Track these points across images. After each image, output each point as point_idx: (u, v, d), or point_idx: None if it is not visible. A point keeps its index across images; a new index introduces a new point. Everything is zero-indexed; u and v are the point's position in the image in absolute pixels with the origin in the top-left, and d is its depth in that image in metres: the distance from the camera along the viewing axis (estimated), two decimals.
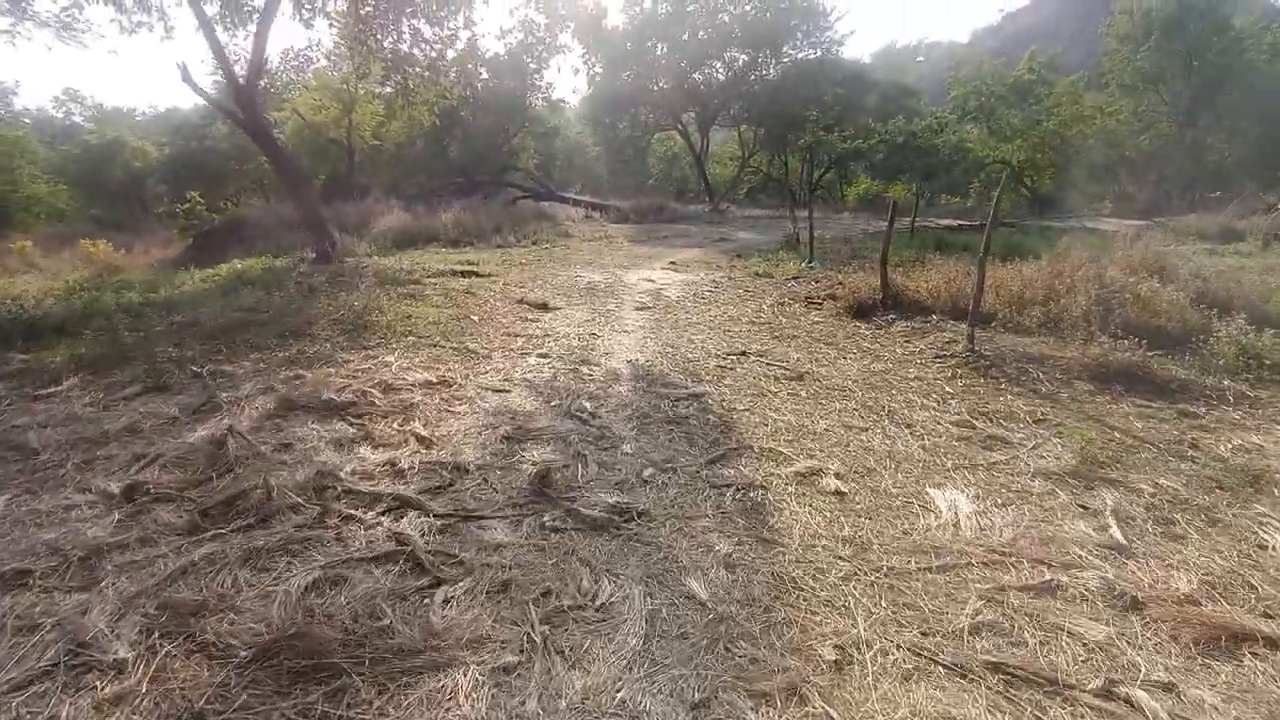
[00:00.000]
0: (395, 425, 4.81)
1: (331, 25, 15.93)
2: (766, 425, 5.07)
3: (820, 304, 9.60)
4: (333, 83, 21.51)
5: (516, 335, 7.56)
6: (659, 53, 31.14)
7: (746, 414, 5.29)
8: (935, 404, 5.55)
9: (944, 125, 30.79)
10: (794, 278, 11.52)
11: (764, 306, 9.53)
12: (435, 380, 5.73)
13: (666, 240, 18.39)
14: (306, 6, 14.97)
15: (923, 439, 4.85)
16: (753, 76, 32.04)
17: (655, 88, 31.78)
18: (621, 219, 23.53)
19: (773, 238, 18.89)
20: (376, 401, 5.19)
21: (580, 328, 8.03)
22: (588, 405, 5.29)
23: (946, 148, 30.16)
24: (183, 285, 10.58)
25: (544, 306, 9.03)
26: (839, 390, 5.90)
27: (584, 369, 6.37)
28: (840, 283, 10.56)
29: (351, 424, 4.80)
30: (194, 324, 7.42)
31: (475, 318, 8.20)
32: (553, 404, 5.37)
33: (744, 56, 31.44)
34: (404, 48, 15.42)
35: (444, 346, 6.96)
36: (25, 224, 31.52)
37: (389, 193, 22.17)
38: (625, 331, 7.94)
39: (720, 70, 32.13)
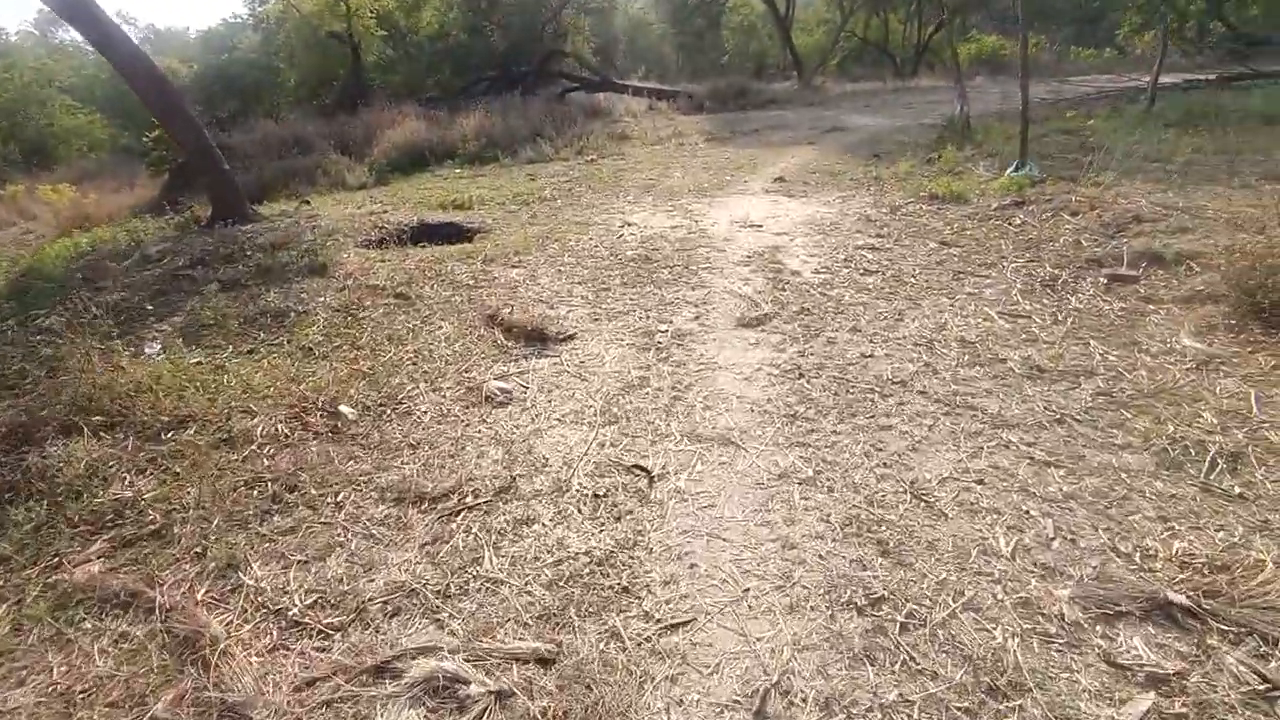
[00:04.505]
0: None
1: None
2: None
3: (1136, 282, 4.11)
4: None
5: (425, 500, 2.54)
6: None
7: None
8: None
9: None
10: (1016, 202, 5.88)
11: (1014, 293, 4.13)
12: None
13: (758, 135, 12.54)
14: None
15: None
16: None
17: None
18: (695, 108, 17.44)
19: (904, 121, 12.76)
20: None
21: (605, 433, 2.91)
22: None
23: None
24: None
25: (540, 336, 3.89)
26: None
27: None
28: (1139, 217, 4.96)
29: None
30: None
31: (350, 413, 3.15)
32: None
33: None
34: None
35: (149, 639, 2.04)
36: (67, 158, 28.08)
37: (406, 97, 16.87)
38: (722, 442, 2.79)
39: None
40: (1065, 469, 2.48)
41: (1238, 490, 2.29)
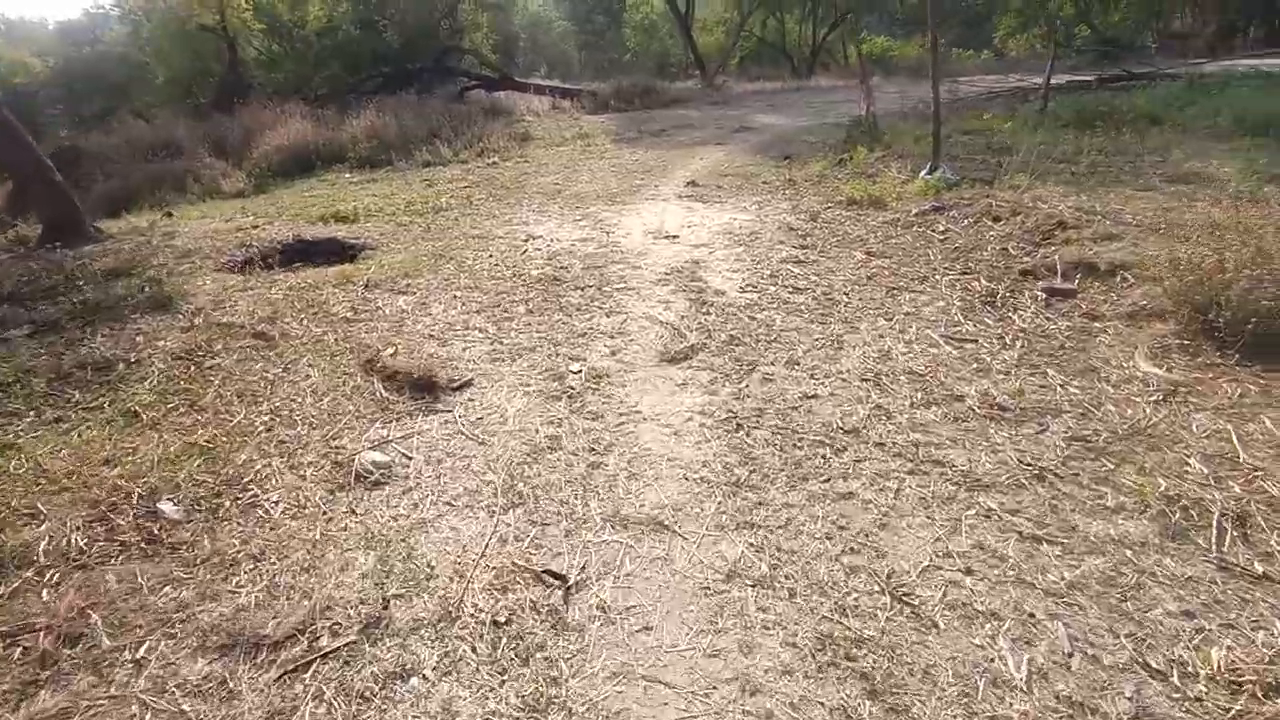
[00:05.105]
0: None
1: None
2: None
3: (1075, 296, 3.84)
4: None
5: (263, 647, 1.86)
6: None
7: None
8: None
9: None
10: (936, 208, 5.61)
11: (954, 312, 3.77)
12: None
13: (666, 136, 12.09)
14: None
15: None
16: None
17: None
18: (599, 107, 16.85)
19: (809, 120, 12.64)
20: None
21: (508, 521, 2.29)
22: None
23: None
24: None
25: (429, 384, 3.21)
26: None
27: None
28: (1063, 224, 4.73)
29: None
30: None
31: (174, 511, 2.42)
32: None
33: None
34: None
35: None
36: None
37: (292, 96, 15.43)
38: (654, 526, 2.23)
39: None
40: (1060, 546, 2.06)
41: (1259, 567, 1.92)
